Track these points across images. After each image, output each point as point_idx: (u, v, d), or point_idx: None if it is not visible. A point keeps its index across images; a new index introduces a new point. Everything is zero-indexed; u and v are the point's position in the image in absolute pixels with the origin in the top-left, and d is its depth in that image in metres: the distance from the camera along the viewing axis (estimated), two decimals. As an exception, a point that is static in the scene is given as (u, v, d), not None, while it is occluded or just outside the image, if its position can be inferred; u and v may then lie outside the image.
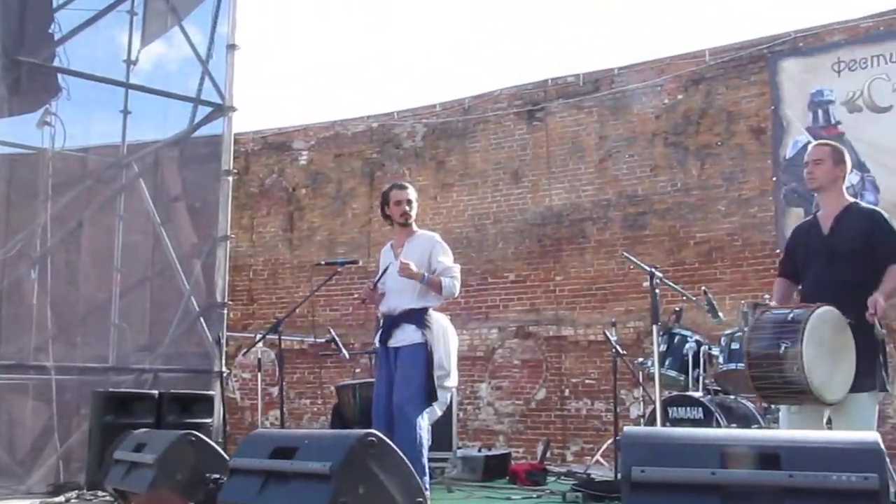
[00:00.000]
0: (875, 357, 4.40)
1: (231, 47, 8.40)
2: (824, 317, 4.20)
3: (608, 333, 7.22)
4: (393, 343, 5.52)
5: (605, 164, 10.47)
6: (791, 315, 4.22)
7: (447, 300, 5.69)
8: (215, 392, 7.50)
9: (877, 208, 4.93)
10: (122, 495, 5.09)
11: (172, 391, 6.92)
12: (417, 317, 5.47)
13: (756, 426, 6.31)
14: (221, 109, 8.36)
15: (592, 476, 6.81)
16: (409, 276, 5.45)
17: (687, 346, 6.69)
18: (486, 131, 11.31)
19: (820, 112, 9.20)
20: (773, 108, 9.48)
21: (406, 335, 5.46)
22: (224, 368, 7.90)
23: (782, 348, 4.11)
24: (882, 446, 2.82)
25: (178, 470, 4.51)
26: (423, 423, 5.42)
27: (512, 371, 10.68)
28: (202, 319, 8.04)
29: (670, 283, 5.41)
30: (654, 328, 4.85)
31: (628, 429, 3.14)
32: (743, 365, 5.98)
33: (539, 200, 10.80)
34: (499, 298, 10.93)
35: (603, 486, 6.04)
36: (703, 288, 5.93)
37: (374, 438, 3.72)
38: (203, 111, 8.61)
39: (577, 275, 10.44)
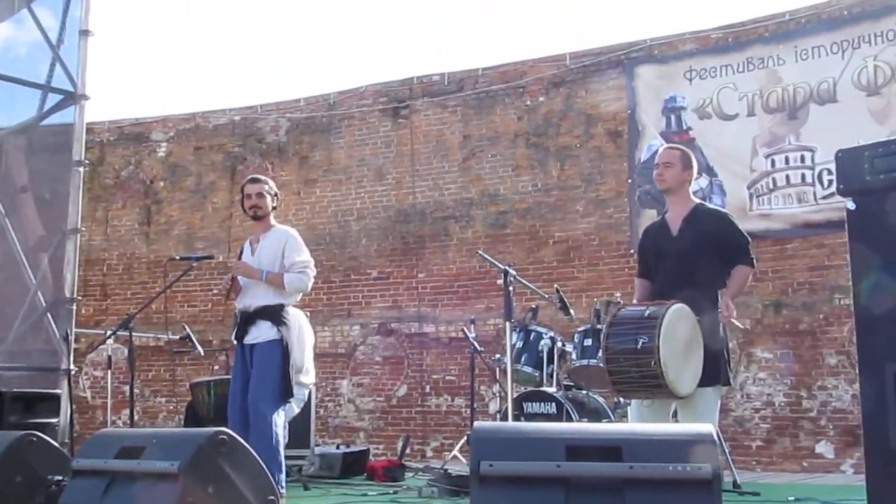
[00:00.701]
0: (720, 353, 4.63)
1: (84, 33, 8.05)
2: (678, 313, 4.37)
3: (466, 330, 7.31)
4: (248, 340, 5.45)
5: (469, 163, 10.60)
6: (647, 311, 4.38)
7: (298, 294, 5.64)
8: (62, 391, 7.20)
9: (723, 209, 5.19)
10: (-44, 500, 4.82)
11: (14, 390, 6.60)
12: (273, 313, 5.41)
13: (606, 420, 6.52)
14: (73, 97, 8.02)
15: (449, 471, 6.86)
16: (245, 274, 5.46)
17: (542, 342, 6.83)
18: (350, 127, 11.27)
19: (673, 117, 9.57)
20: (629, 112, 9.80)
21: (261, 332, 5.40)
22: (73, 366, 7.59)
23: (639, 343, 4.25)
24: (715, 437, 2.96)
25: (17, 472, 4.29)
26: (279, 421, 5.37)
27: (373, 368, 10.67)
28: (49, 315, 7.70)
29: (524, 282, 5.52)
30: (507, 325, 4.94)
31: (478, 424, 3.19)
32: (595, 361, 6.20)
33: (403, 198, 10.83)
34: (361, 295, 10.91)
35: (458, 481, 6.09)
36: (555, 286, 6.09)
37: (224, 436, 3.65)
38: (53, 98, 8.24)
39: (440, 272, 10.53)
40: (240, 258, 5.71)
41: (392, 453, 9.63)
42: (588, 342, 6.45)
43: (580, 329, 6.72)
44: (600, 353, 5.03)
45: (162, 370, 11.57)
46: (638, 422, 4.72)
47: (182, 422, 8.15)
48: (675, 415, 4.79)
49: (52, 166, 8.34)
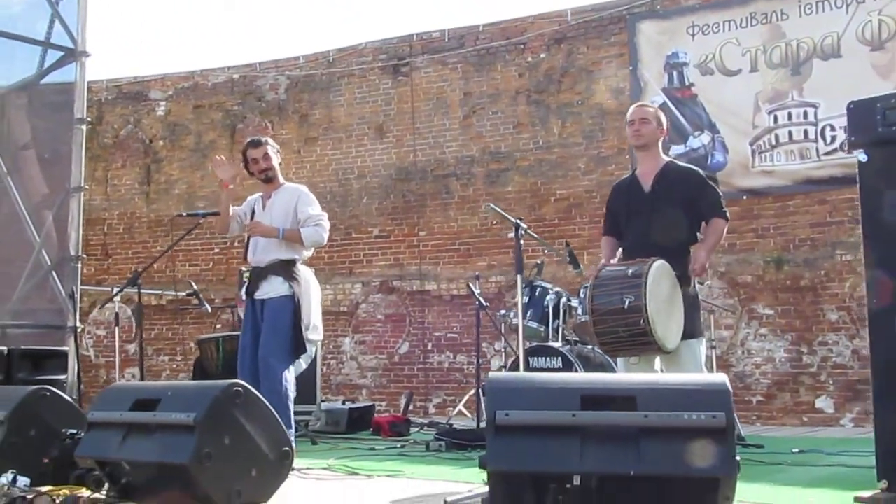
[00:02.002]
0: (697, 306, 4.75)
1: (83, -11, 7.99)
2: (660, 270, 4.41)
3: (472, 286, 7.32)
4: (259, 295, 5.47)
5: (470, 121, 10.56)
6: (630, 270, 4.39)
7: (315, 249, 5.65)
8: (69, 348, 7.24)
9: (693, 166, 5.19)
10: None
11: (23, 347, 6.64)
12: (285, 269, 5.43)
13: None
14: (73, 54, 7.96)
15: (455, 426, 6.94)
16: (262, 234, 5.44)
17: (547, 298, 6.86)
18: (350, 85, 11.21)
19: (675, 74, 9.52)
20: (631, 68, 9.74)
21: (273, 287, 5.42)
22: (78, 324, 7.63)
23: (626, 303, 4.27)
24: (729, 387, 3.00)
25: (31, 426, 4.34)
26: (289, 376, 5.40)
27: (375, 325, 10.72)
28: (54, 273, 7.71)
29: (534, 235, 5.54)
30: (518, 278, 4.95)
31: (493, 374, 3.22)
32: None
33: (403, 156, 10.81)
34: (363, 253, 10.93)
35: (465, 435, 6.16)
36: (565, 241, 6.10)
37: (239, 388, 3.69)
38: (53, 56, 8.18)
39: (441, 230, 10.54)
40: (246, 204, 5.72)
41: (395, 410, 9.72)
42: (593, 298, 6.46)
43: (585, 284, 6.73)
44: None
45: (164, 329, 11.62)
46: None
47: (190, 379, 8.21)
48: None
49: (54, 125, 8.30)
